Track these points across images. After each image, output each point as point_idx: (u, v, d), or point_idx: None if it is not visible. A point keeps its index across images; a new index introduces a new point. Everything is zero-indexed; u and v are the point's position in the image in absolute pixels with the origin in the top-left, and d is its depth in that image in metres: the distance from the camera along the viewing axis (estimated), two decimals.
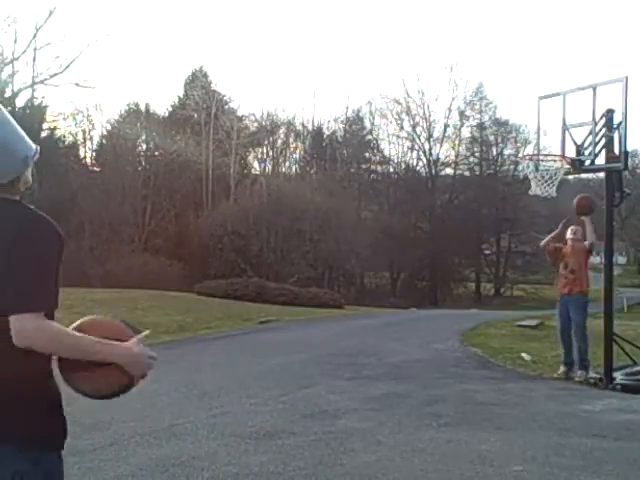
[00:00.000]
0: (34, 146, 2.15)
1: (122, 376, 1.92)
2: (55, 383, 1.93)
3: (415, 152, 52.54)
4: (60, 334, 1.88)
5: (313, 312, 19.98)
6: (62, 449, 1.86)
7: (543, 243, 8.23)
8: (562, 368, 7.75)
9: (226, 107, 44.39)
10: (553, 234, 8.14)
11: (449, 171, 53.75)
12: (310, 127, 49.34)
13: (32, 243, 1.79)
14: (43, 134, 35.32)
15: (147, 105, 44.22)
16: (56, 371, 1.93)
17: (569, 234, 8.01)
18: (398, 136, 52.48)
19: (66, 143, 39.44)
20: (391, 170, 53.11)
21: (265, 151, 48.22)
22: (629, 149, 7.36)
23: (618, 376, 7.17)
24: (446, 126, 51.69)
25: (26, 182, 2.01)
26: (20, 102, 33.25)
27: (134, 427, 5.09)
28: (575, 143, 7.53)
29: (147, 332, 2.06)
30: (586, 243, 7.78)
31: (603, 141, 7.31)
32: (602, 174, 7.74)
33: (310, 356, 9.36)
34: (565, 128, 7.61)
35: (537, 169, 7.61)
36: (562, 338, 7.88)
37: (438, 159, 51.71)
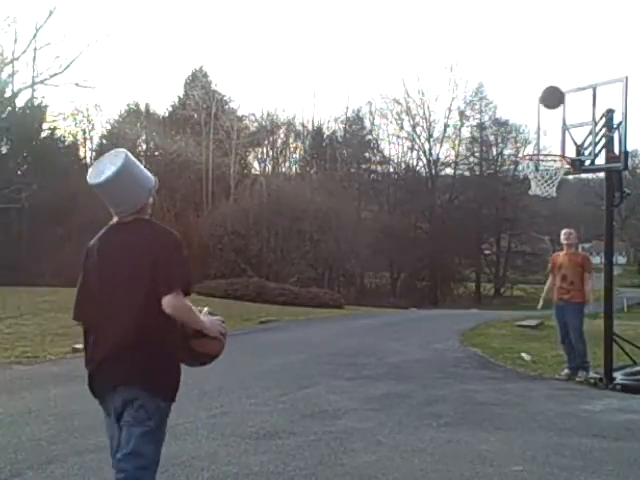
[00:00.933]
0: (153, 178, 2.99)
1: (218, 342, 2.88)
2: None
3: (415, 152, 52.58)
4: (190, 308, 2.70)
5: (313, 312, 19.98)
6: (174, 401, 2.81)
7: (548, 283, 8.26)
8: (566, 371, 7.77)
9: (226, 107, 44.37)
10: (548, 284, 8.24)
11: (449, 171, 53.77)
12: (310, 127, 49.34)
13: (169, 245, 2.75)
14: (43, 134, 35.29)
15: (147, 105, 44.27)
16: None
17: (563, 238, 7.93)
18: (398, 136, 52.51)
19: (66, 143, 39.42)
20: (391, 170, 53.12)
21: (265, 151, 48.21)
22: (629, 149, 7.37)
23: (618, 376, 7.17)
24: (446, 126, 51.72)
25: (151, 205, 2.95)
26: (20, 102, 33.24)
27: None
28: (575, 143, 7.53)
29: (207, 309, 2.97)
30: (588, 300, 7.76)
31: (603, 141, 7.31)
32: (602, 174, 7.74)
33: (310, 356, 9.35)
34: (565, 128, 7.60)
35: (537, 169, 7.60)
36: (564, 345, 7.90)
37: (438, 159, 51.73)
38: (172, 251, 2.74)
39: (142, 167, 2.94)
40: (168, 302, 2.59)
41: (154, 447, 2.83)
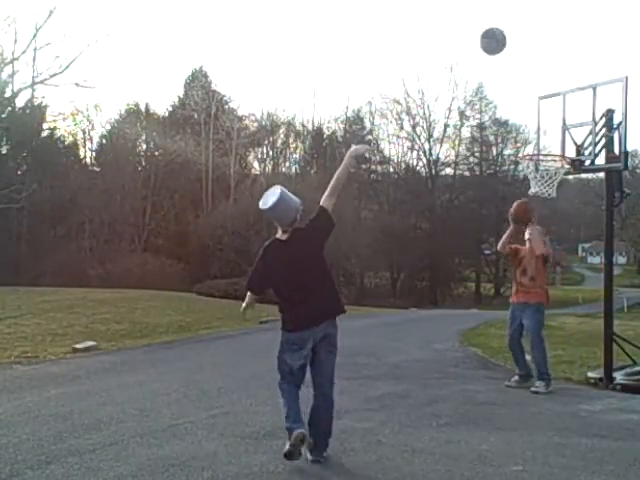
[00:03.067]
0: (299, 200, 4.43)
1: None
2: None
3: (415, 152, 52.65)
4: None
5: None
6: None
7: (500, 246, 7.37)
8: (516, 377, 7.10)
9: (226, 107, 44.41)
10: (508, 233, 7.23)
11: (449, 171, 53.83)
12: (310, 127, 49.42)
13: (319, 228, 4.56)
14: (43, 134, 35.32)
15: (147, 105, 44.32)
16: None
17: (527, 234, 7.14)
18: (398, 136, 52.58)
19: (66, 143, 39.46)
20: (391, 170, 53.16)
21: (265, 151, 48.26)
22: (629, 149, 7.35)
23: (618, 376, 7.16)
24: (446, 126, 51.79)
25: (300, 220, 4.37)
26: (20, 102, 33.30)
27: (134, 427, 5.09)
28: (575, 143, 7.52)
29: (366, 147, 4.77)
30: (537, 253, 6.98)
31: (603, 141, 7.30)
32: (602, 174, 7.73)
33: None
34: (565, 128, 7.60)
35: (537, 169, 7.59)
36: (511, 348, 7.22)
37: (438, 159, 51.79)
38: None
39: (291, 195, 4.41)
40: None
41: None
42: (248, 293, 4.79)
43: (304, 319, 4.27)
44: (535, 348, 6.91)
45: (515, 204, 7.17)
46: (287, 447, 4.07)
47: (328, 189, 4.46)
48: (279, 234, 4.39)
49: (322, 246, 4.45)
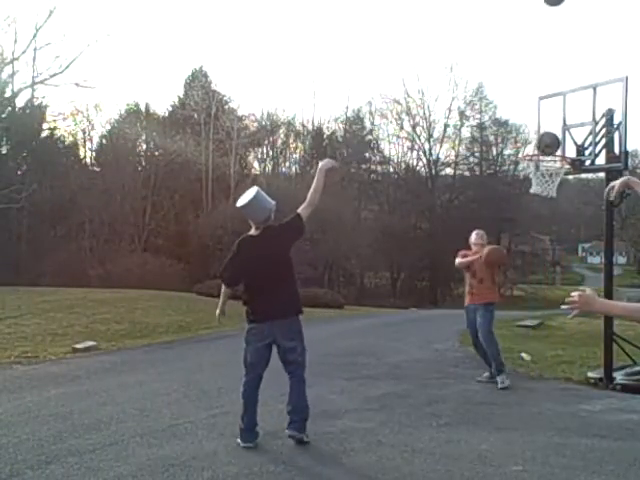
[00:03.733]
0: (273, 202, 4.80)
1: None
2: None
3: (415, 152, 52.59)
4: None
5: (313, 312, 19.95)
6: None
7: (458, 265, 7.52)
8: (486, 374, 7.40)
9: (226, 107, 44.37)
10: (470, 260, 7.37)
11: (449, 171, 53.79)
12: (310, 127, 49.37)
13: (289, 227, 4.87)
14: (43, 134, 35.30)
15: (147, 105, 44.27)
16: None
17: (474, 238, 7.50)
18: (398, 136, 52.51)
19: (66, 143, 39.42)
20: (391, 170, 53.12)
21: (265, 151, 48.23)
22: (629, 149, 7.35)
23: (618, 376, 7.16)
24: (446, 126, 51.73)
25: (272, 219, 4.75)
26: (20, 102, 33.27)
27: (134, 427, 5.10)
28: (575, 143, 7.52)
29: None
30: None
31: (603, 141, 7.31)
32: (602, 174, 7.73)
33: (310, 356, 9.31)
34: (565, 128, 7.60)
35: (538, 168, 7.59)
36: (476, 348, 7.56)
37: (438, 159, 51.75)
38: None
39: (266, 196, 4.80)
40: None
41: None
42: (221, 296, 5.02)
43: (263, 311, 4.70)
44: (487, 344, 7.22)
45: (494, 250, 7.40)
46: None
47: (306, 199, 4.86)
48: (252, 231, 4.81)
49: (289, 247, 4.85)
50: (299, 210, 4.81)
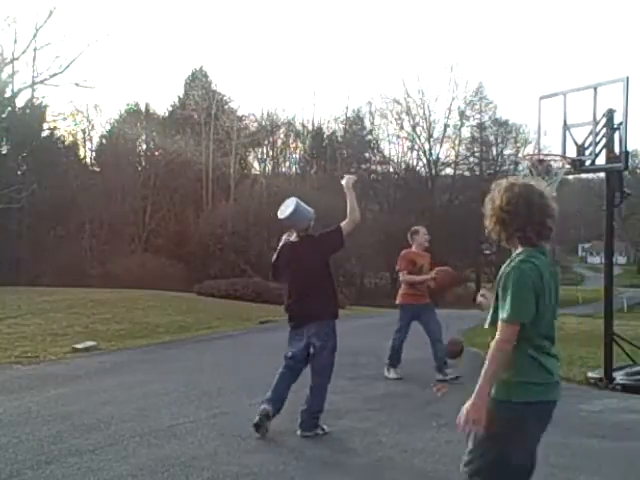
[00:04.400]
0: (312, 210, 5.17)
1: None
2: None
3: (415, 152, 52.57)
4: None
5: None
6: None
7: (407, 281, 7.70)
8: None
9: (226, 107, 44.37)
10: (418, 279, 7.57)
11: (449, 171, 53.77)
12: (310, 127, 49.34)
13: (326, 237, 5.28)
14: (43, 134, 35.28)
15: (147, 105, 44.29)
16: None
17: (424, 239, 7.81)
18: (398, 136, 52.50)
19: (66, 143, 39.42)
20: (391, 170, 53.10)
21: (265, 151, 48.23)
22: (629, 149, 7.35)
23: (618, 376, 7.16)
24: (446, 126, 51.72)
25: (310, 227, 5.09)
26: (20, 102, 33.26)
27: (134, 427, 5.09)
28: (575, 143, 7.52)
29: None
30: None
31: (603, 141, 7.30)
32: (602, 174, 7.73)
33: None
34: (565, 128, 7.60)
35: (536, 170, 7.58)
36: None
37: (438, 159, 51.73)
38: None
39: (305, 205, 5.15)
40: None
41: None
42: None
43: (297, 315, 5.04)
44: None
45: (446, 276, 7.60)
46: (256, 419, 4.80)
47: (347, 217, 5.19)
48: (293, 237, 5.15)
49: (325, 257, 5.14)
50: (342, 224, 5.11)
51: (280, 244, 5.23)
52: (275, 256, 5.20)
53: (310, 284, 4.99)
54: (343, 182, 5.28)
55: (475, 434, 2.44)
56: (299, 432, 4.86)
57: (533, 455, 2.55)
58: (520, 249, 2.50)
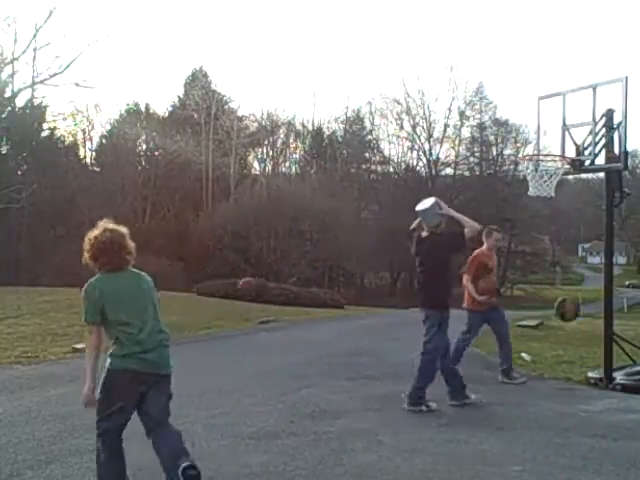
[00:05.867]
0: (444, 213, 5.91)
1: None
2: None
3: (415, 152, 52.66)
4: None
5: (313, 312, 19.97)
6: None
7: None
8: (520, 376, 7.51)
9: (226, 107, 44.39)
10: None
11: (449, 171, 53.86)
12: (310, 127, 49.41)
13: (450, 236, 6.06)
14: (43, 134, 35.28)
15: (147, 105, 44.33)
16: None
17: (498, 237, 7.48)
18: (398, 136, 52.57)
19: (66, 143, 39.42)
20: (391, 170, 53.14)
21: (265, 151, 48.26)
22: (629, 149, 7.35)
23: (618, 376, 7.16)
24: (446, 126, 51.81)
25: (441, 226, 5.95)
26: (20, 102, 33.24)
27: (134, 427, 5.08)
28: (575, 143, 7.51)
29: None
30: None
31: (603, 141, 7.30)
32: (602, 174, 7.73)
33: (310, 356, 9.35)
34: (565, 128, 7.60)
35: (536, 170, 7.58)
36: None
37: (438, 159, 51.80)
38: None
39: (444, 206, 5.87)
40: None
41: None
42: None
43: (419, 299, 5.97)
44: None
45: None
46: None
47: (466, 228, 5.81)
48: (424, 232, 5.93)
49: (446, 255, 5.88)
50: (465, 230, 5.76)
51: (415, 235, 6.06)
52: (413, 248, 6.05)
53: (427, 275, 5.82)
54: (442, 211, 5.88)
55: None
56: (406, 405, 5.72)
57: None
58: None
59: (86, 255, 3.58)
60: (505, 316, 7.67)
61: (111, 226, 3.78)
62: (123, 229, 3.84)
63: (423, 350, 5.83)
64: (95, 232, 3.69)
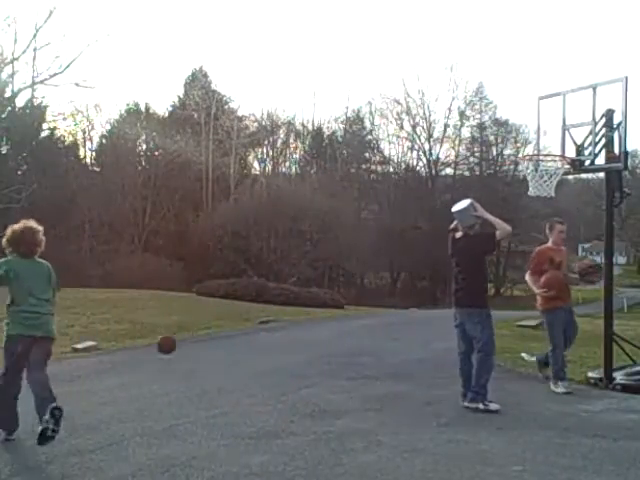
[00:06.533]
0: (480, 215, 5.99)
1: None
2: None
3: (415, 152, 52.64)
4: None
5: (313, 312, 19.97)
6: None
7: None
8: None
9: (226, 107, 44.39)
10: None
11: (449, 171, 53.84)
12: (310, 127, 49.41)
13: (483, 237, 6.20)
14: (43, 134, 35.23)
15: (147, 105, 44.30)
16: None
17: (561, 229, 7.12)
18: (398, 136, 52.56)
19: (66, 143, 39.38)
20: (391, 170, 53.13)
21: (265, 151, 48.27)
22: (629, 149, 7.34)
23: (618, 376, 7.15)
24: (446, 126, 51.80)
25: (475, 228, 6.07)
26: (20, 102, 33.18)
27: (134, 427, 5.09)
28: (575, 143, 7.51)
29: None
30: None
31: (603, 141, 7.29)
32: (602, 174, 7.72)
33: (310, 356, 9.36)
34: (565, 128, 7.59)
35: (536, 170, 7.57)
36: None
37: (438, 159, 51.79)
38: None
39: (479, 209, 5.94)
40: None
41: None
42: None
43: (455, 299, 6.04)
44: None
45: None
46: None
47: (497, 230, 5.93)
48: (459, 233, 6.06)
49: (479, 255, 6.06)
50: (496, 232, 5.90)
51: (451, 236, 6.16)
52: (449, 249, 6.18)
53: (463, 276, 5.94)
54: (477, 213, 5.96)
55: None
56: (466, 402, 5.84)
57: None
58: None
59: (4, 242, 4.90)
60: (576, 322, 7.15)
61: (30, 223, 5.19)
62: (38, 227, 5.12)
63: (478, 349, 5.87)
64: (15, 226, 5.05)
